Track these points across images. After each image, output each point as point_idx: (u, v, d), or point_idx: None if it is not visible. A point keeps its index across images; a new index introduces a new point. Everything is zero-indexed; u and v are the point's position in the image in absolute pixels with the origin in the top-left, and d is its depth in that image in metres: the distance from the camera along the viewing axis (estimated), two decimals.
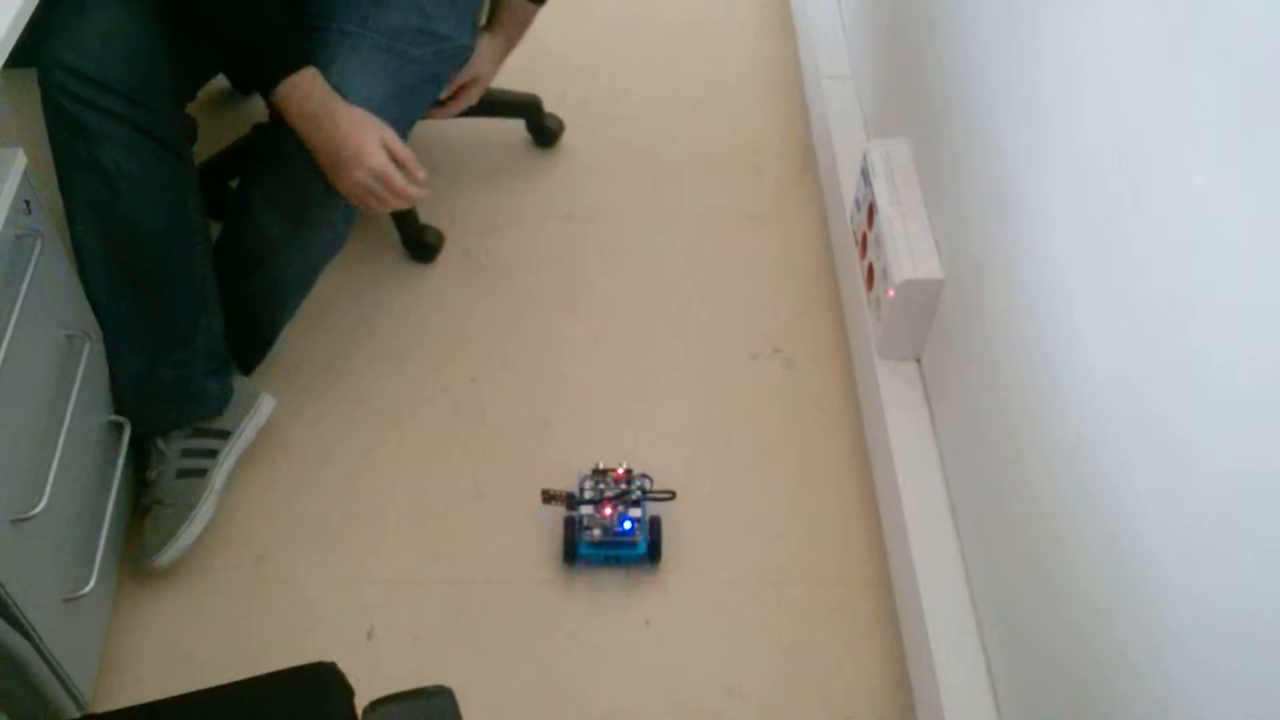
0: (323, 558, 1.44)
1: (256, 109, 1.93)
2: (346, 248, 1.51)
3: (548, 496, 1.45)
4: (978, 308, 1.23)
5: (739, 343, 1.70)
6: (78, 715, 1.21)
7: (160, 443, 1.42)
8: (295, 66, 1.27)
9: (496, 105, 1.97)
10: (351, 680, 0.90)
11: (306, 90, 1.27)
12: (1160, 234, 0.82)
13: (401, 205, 1.39)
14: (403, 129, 1.39)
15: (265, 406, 1.53)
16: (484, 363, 1.66)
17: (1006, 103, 1.15)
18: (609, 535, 1.41)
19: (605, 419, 1.59)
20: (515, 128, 2.02)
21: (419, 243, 1.79)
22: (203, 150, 1.77)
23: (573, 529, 1.42)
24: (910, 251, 1.39)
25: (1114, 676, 0.90)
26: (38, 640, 1.11)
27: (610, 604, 1.40)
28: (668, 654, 1.36)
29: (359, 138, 1.31)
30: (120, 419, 1.37)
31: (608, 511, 1.43)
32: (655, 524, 1.44)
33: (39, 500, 1.10)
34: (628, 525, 1.42)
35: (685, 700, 1.32)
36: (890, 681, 1.33)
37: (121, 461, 1.35)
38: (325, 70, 1.30)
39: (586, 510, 1.43)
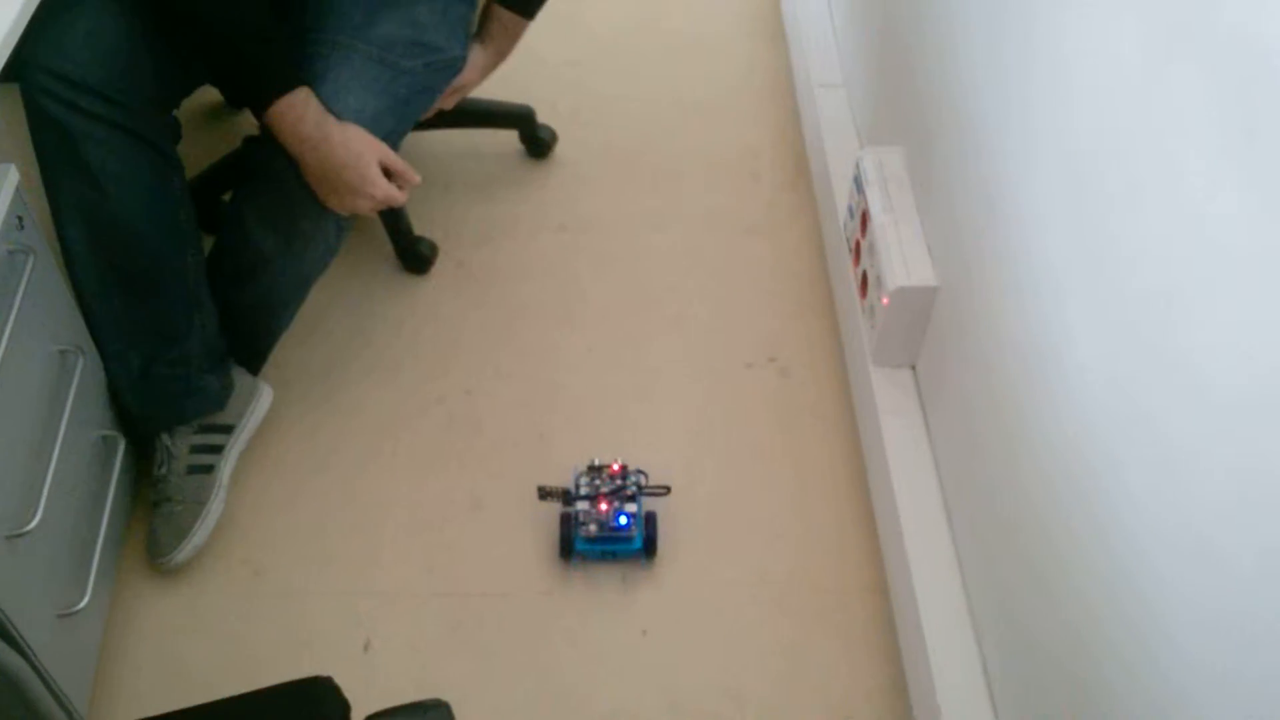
0: (319, 570, 1.44)
1: (248, 122, 1.93)
2: (340, 260, 1.51)
3: (544, 493, 1.45)
4: (972, 314, 1.24)
5: (734, 351, 1.70)
6: None
7: (166, 440, 1.43)
8: (288, 87, 1.27)
9: (489, 116, 1.98)
10: (348, 694, 0.89)
11: (300, 112, 1.27)
12: (1152, 236, 0.83)
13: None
14: (395, 141, 1.39)
15: (265, 397, 1.55)
16: (479, 373, 1.66)
17: (997, 108, 1.15)
18: (605, 530, 1.42)
19: (601, 428, 1.59)
20: (508, 139, 2.02)
21: (413, 254, 1.79)
22: (195, 163, 1.76)
23: (569, 525, 1.43)
24: (904, 259, 1.39)
25: (1110, 676, 0.90)
26: (32, 656, 1.11)
27: (607, 611, 1.40)
28: (665, 659, 1.36)
29: (360, 167, 1.31)
30: (114, 434, 1.37)
31: (603, 507, 1.43)
32: (651, 519, 1.45)
33: (33, 516, 1.10)
34: (623, 520, 1.42)
35: (683, 704, 1.32)
36: (887, 683, 1.33)
37: (116, 476, 1.35)
38: (317, 83, 1.30)
39: (582, 506, 1.44)
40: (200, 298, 1.40)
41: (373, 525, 1.48)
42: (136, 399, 1.40)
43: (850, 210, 1.60)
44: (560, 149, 2.02)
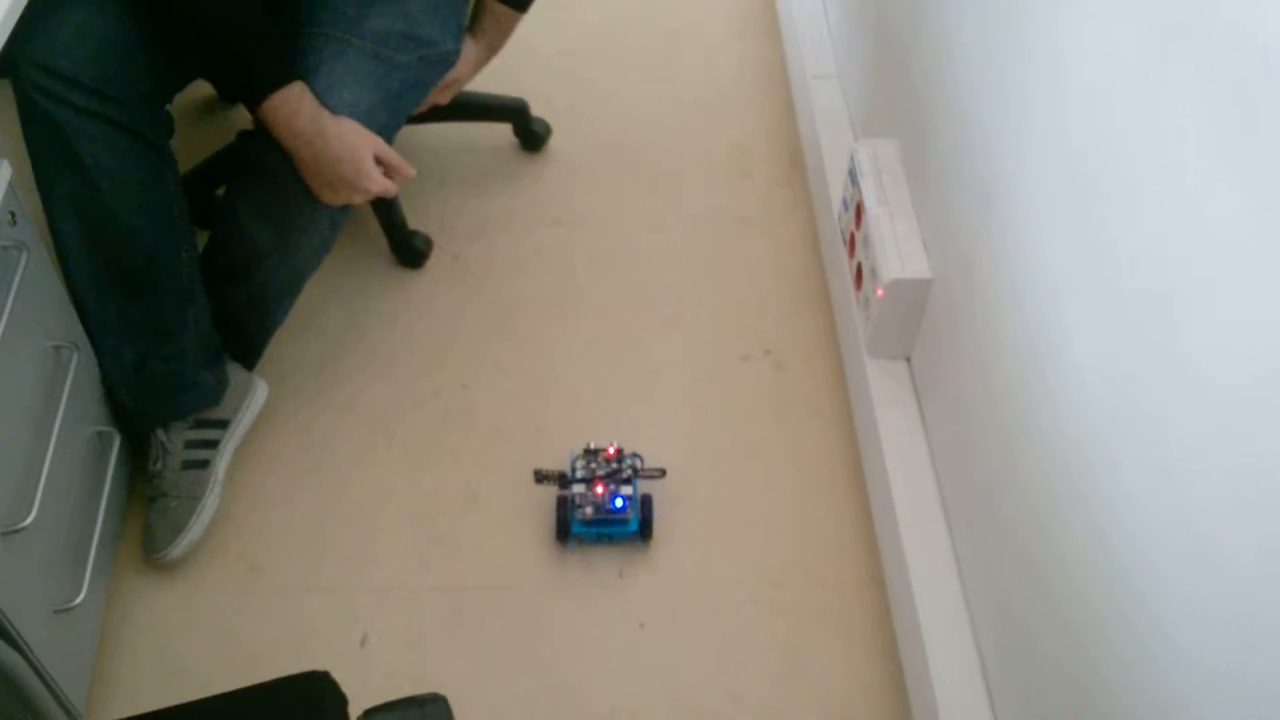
0: (315, 565, 1.44)
1: (241, 116, 1.92)
2: (335, 254, 1.51)
3: (540, 476, 1.46)
4: (966, 306, 1.24)
5: (730, 344, 1.70)
6: None
7: (161, 435, 1.43)
8: (281, 82, 1.26)
9: (483, 110, 1.97)
10: (345, 689, 0.90)
11: (294, 106, 1.27)
12: (1148, 233, 0.83)
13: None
14: (389, 135, 1.39)
15: (260, 392, 1.55)
16: (474, 368, 1.66)
17: (992, 100, 1.15)
18: (601, 513, 1.43)
19: (597, 422, 1.59)
20: (502, 132, 2.01)
21: (407, 248, 1.79)
22: (188, 158, 1.76)
23: (565, 508, 1.44)
24: (898, 251, 1.39)
25: (1108, 674, 0.90)
26: (29, 652, 1.11)
27: (605, 605, 1.40)
28: (664, 656, 1.36)
29: (355, 161, 1.31)
30: (109, 429, 1.37)
31: (600, 490, 1.44)
32: (647, 501, 1.46)
33: (29, 512, 1.10)
34: (619, 503, 1.43)
35: (682, 701, 1.32)
36: (884, 679, 1.33)
37: (111, 471, 1.35)
38: (310, 77, 1.30)
39: (579, 489, 1.45)
40: (194, 292, 1.40)
41: (369, 520, 1.48)
42: (131, 394, 1.40)
43: (845, 202, 1.60)
44: (554, 142, 2.02)
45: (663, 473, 1.48)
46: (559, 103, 2.07)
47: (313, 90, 1.29)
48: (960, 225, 1.26)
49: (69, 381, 1.24)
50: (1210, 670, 0.76)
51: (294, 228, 1.40)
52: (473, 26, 1.59)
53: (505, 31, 1.62)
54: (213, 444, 1.47)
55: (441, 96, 1.59)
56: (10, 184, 1.14)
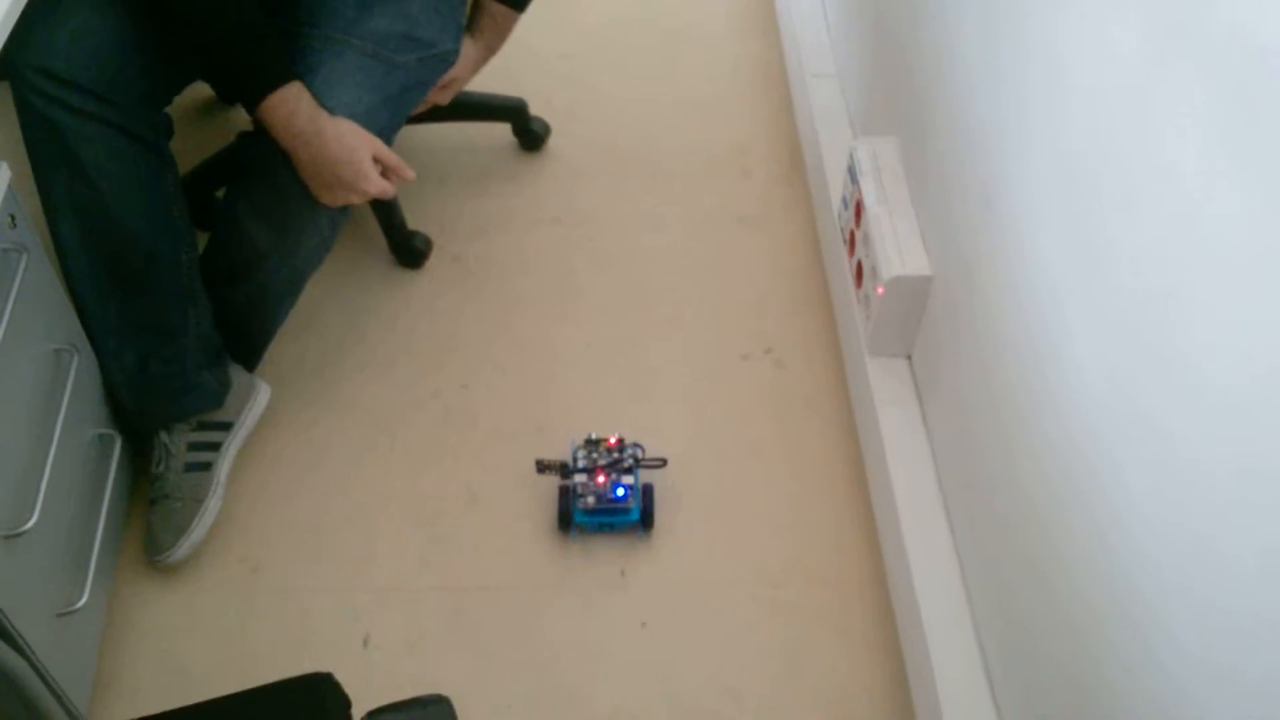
0: (316, 566, 1.44)
1: (240, 117, 1.92)
2: (335, 255, 1.51)
3: (542, 466, 1.47)
4: (967, 304, 1.24)
5: (730, 343, 1.70)
6: None
7: (164, 437, 1.43)
8: (280, 82, 1.26)
9: (482, 109, 1.97)
10: (348, 690, 0.90)
11: (292, 106, 1.26)
12: (1147, 232, 0.83)
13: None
14: (389, 136, 1.39)
15: (262, 395, 1.55)
16: (474, 368, 1.66)
17: (991, 99, 1.15)
18: (603, 502, 1.44)
19: (597, 422, 1.58)
20: (501, 132, 2.01)
21: (407, 249, 1.79)
22: (187, 159, 1.76)
23: (567, 497, 1.45)
24: (898, 248, 1.39)
25: (1110, 673, 0.90)
26: (32, 656, 1.10)
27: (606, 605, 1.40)
28: (665, 655, 1.36)
29: (354, 162, 1.31)
30: (110, 432, 1.37)
31: (601, 479, 1.45)
32: (648, 491, 1.47)
33: (30, 515, 1.10)
34: (621, 492, 1.44)
35: (683, 701, 1.32)
36: (887, 680, 1.33)
37: (112, 474, 1.35)
38: (309, 78, 1.30)
39: (580, 479, 1.45)
40: (195, 294, 1.40)
41: (370, 520, 1.48)
42: (133, 397, 1.40)
43: (845, 200, 1.60)
44: (553, 142, 2.02)
45: (664, 462, 1.49)
46: (558, 102, 2.07)
47: (312, 91, 1.29)
48: (960, 223, 1.26)
49: (70, 384, 1.24)
50: (1211, 669, 0.75)
51: (293, 228, 1.40)
52: (471, 26, 1.59)
53: (503, 31, 1.62)
54: (215, 446, 1.47)
55: (441, 96, 1.59)
56: (10, 186, 1.14)
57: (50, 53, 1.21)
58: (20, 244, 1.15)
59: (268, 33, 1.29)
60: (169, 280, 1.37)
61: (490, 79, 1.69)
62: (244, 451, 1.53)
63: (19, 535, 1.08)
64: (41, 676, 1.13)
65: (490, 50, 1.62)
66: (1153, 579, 0.83)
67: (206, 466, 1.45)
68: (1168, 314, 0.80)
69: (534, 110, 2.00)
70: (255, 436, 1.54)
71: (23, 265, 1.14)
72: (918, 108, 1.42)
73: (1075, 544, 0.96)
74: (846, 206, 1.58)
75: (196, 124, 1.97)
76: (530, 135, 2.00)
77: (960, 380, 1.27)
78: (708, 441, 1.57)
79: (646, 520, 1.45)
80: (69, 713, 1.19)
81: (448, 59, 1.48)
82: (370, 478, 1.53)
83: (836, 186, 1.69)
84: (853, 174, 1.54)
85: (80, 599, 1.21)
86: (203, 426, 1.45)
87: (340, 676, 0.90)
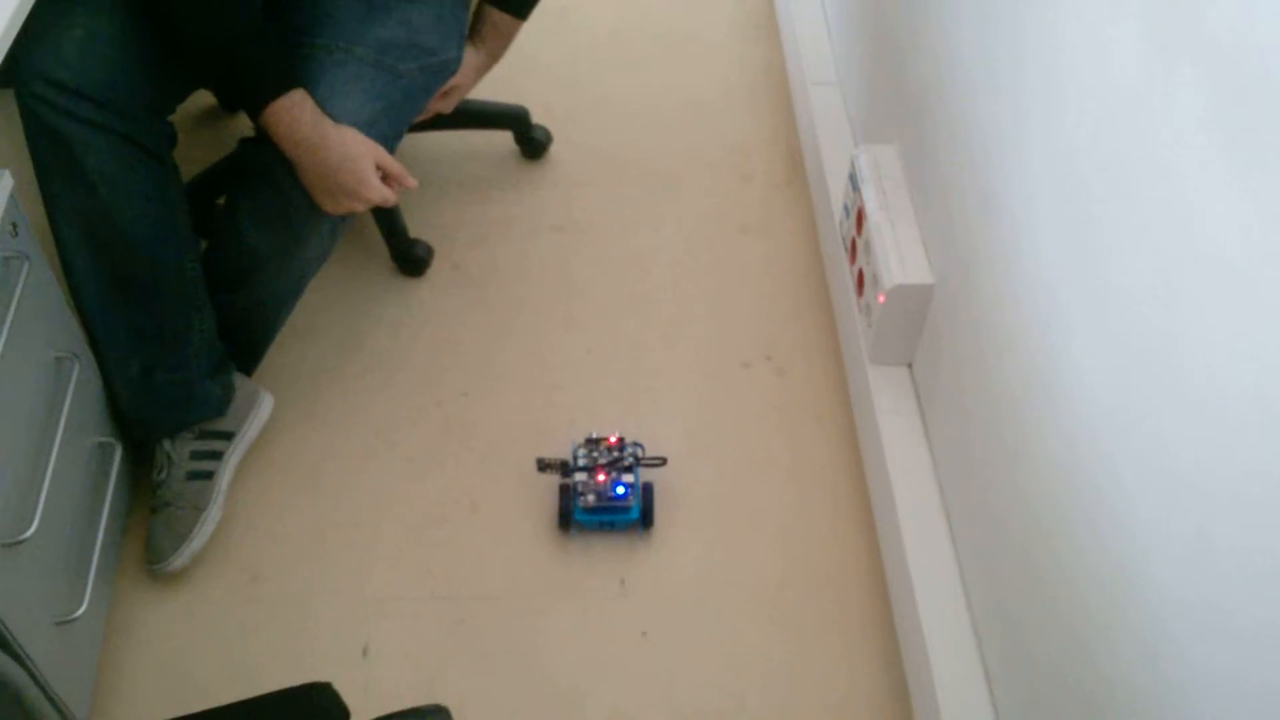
0: (316, 575, 1.43)
1: (243, 125, 1.93)
2: (336, 263, 1.52)
3: (542, 465, 1.47)
4: (968, 312, 1.24)
5: (731, 351, 1.70)
6: None
7: (167, 445, 1.43)
8: (282, 89, 1.26)
9: (484, 117, 1.98)
10: (347, 699, 0.89)
11: (296, 114, 1.27)
12: (1146, 237, 0.83)
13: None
14: (391, 144, 1.39)
15: (265, 405, 1.55)
16: (476, 376, 1.66)
17: (991, 107, 1.15)
18: (603, 500, 1.44)
19: (598, 429, 1.58)
20: (503, 140, 2.02)
21: (409, 257, 1.79)
22: (189, 167, 1.76)
23: (567, 496, 1.45)
24: (900, 256, 1.39)
25: (1111, 678, 0.90)
26: (31, 665, 1.10)
27: (607, 615, 1.40)
28: (666, 664, 1.36)
29: (357, 169, 1.32)
30: (111, 440, 1.37)
31: (601, 478, 1.45)
32: (648, 489, 1.48)
33: (30, 524, 1.10)
34: (621, 490, 1.45)
35: (684, 709, 1.32)
36: (887, 687, 1.33)
37: (113, 482, 1.35)
38: (312, 87, 1.30)
39: (581, 477, 1.46)
40: (199, 303, 1.40)
41: (370, 529, 1.48)
42: (137, 406, 1.40)
43: (846, 208, 1.60)
44: (555, 150, 2.02)
45: (663, 461, 1.50)
46: (560, 110, 2.07)
47: (315, 99, 1.29)
48: (961, 230, 1.25)
49: (70, 392, 1.24)
50: (1212, 673, 0.75)
51: (294, 235, 1.41)
52: (473, 35, 1.59)
53: (505, 39, 1.62)
54: (217, 455, 1.47)
55: (443, 105, 1.59)
56: (12, 195, 1.14)
57: (55, 62, 1.21)
58: (22, 252, 1.15)
59: (270, 40, 1.29)
60: (173, 289, 1.37)
61: (492, 87, 1.69)
62: (245, 459, 1.53)
63: (19, 544, 1.08)
64: (40, 685, 1.12)
65: (492, 58, 1.62)
66: (1153, 584, 0.82)
67: (208, 475, 1.44)
68: (1168, 320, 0.80)
69: (536, 118, 2.00)
70: (256, 444, 1.54)
71: (24, 273, 1.14)
72: (918, 115, 1.42)
73: (1076, 550, 0.95)
74: (848, 214, 1.58)
75: (198, 132, 1.97)
76: (532, 143, 2.00)
77: (961, 388, 1.27)
78: (708, 448, 1.57)
79: (646, 519, 1.46)
80: None
81: (450, 67, 1.49)
82: (371, 486, 1.53)
83: (838, 194, 1.69)
84: (854, 181, 1.54)
85: (80, 607, 1.21)
86: (205, 435, 1.45)
87: (339, 686, 0.90)
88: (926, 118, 1.38)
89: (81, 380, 1.27)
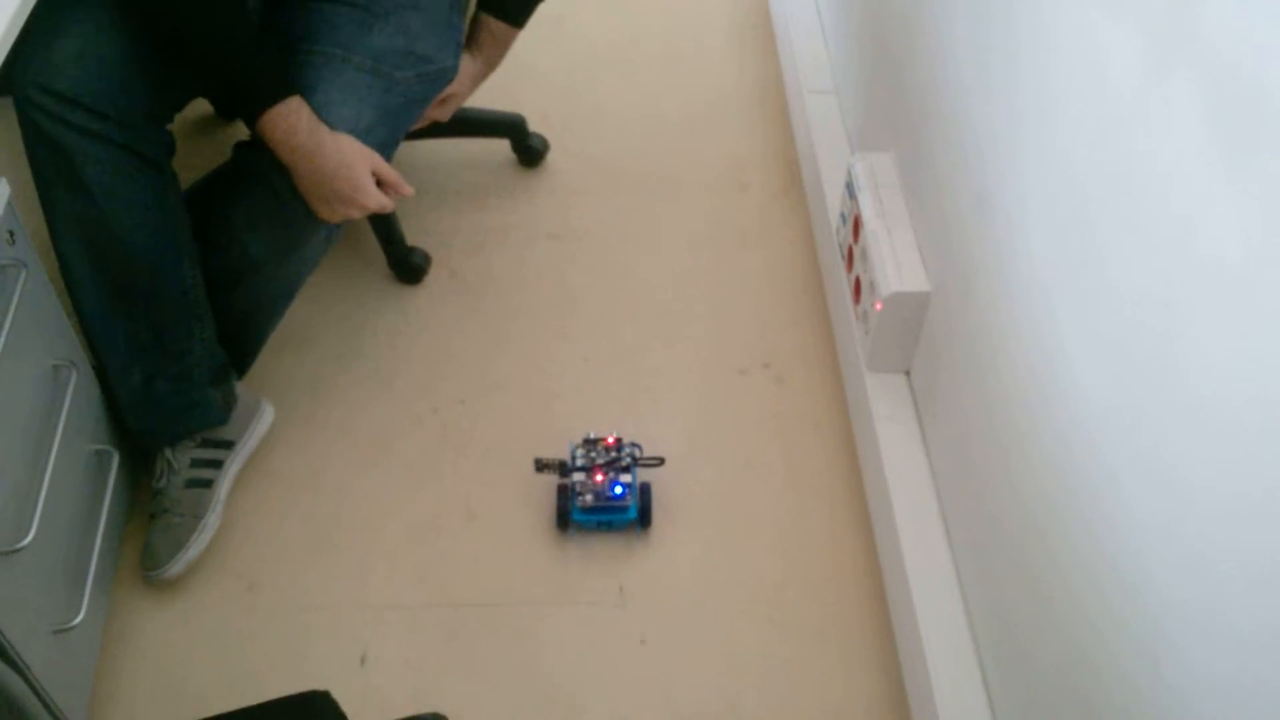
0: (314, 584, 1.43)
1: (240, 133, 1.92)
2: (333, 271, 1.52)
3: (541, 465, 1.48)
4: (965, 320, 1.24)
5: (728, 359, 1.70)
6: None
7: (168, 452, 1.43)
8: (279, 96, 1.27)
9: (481, 125, 1.98)
10: (345, 708, 0.89)
11: (293, 122, 1.27)
12: (1142, 245, 0.83)
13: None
14: (387, 152, 1.39)
15: (267, 415, 1.55)
16: (473, 383, 1.66)
17: (985, 115, 1.15)
18: (601, 500, 1.45)
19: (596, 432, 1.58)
20: (500, 148, 2.02)
21: (406, 264, 1.79)
22: (185, 175, 1.76)
23: (565, 496, 1.46)
24: (897, 264, 1.39)
25: (1111, 685, 0.90)
26: (28, 672, 1.10)
27: (606, 623, 1.40)
28: (664, 671, 1.36)
29: (353, 176, 1.32)
30: (108, 448, 1.36)
31: (599, 478, 1.46)
32: (645, 490, 1.48)
33: (27, 532, 1.09)
34: (619, 490, 1.46)
35: (682, 715, 1.32)
36: (886, 695, 1.33)
37: (110, 490, 1.35)
38: (309, 94, 1.30)
39: (579, 477, 1.46)
40: (199, 311, 1.40)
41: (367, 537, 1.48)
42: (138, 415, 1.40)
43: (843, 216, 1.61)
44: (552, 158, 2.03)
45: (661, 461, 1.50)
46: (556, 118, 2.08)
47: (311, 107, 1.30)
48: (958, 238, 1.26)
49: (68, 400, 1.24)
50: (1212, 680, 0.75)
51: (290, 239, 1.41)
52: (470, 43, 1.59)
53: (502, 47, 1.62)
54: (217, 464, 1.47)
55: (440, 112, 1.59)
56: (9, 202, 1.14)
57: (54, 71, 1.21)
58: (19, 260, 1.15)
59: (267, 47, 1.29)
60: (174, 298, 1.37)
61: (489, 95, 1.70)
62: (243, 468, 1.52)
63: (16, 552, 1.08)
64: (37, 693, 1.12)
65: (489, 66, 1.63)
66: (1152, 591, 0.83)
67: (208, 484, 1.44)
68: (1165, 324, 0.80)
69: (532, 126, 2.00)
70: (254, 453, 1.54)
71: (21, 281, 1.14)
72: (914, 124, 1.42)
73: (1074, 557, 0.95)
74: (845, 222, 1.59)
75: (195, 140, 1.97)
76: (529, 151, 2.00)
77: (958, 395, 1.27)
78: (706, 455, 1.57)
79: (644, 518, 1.47)
80: None
81: (446, 75, 1.49)
82: (368, 494, 1.53)
83: (834, 202, 1.69)
84: (851, 190, 1.54)
85: (77, 616, 1.21)
86: (207, 444, 1.45)
87: (337, 694, 0.90)
88: (922, 126, 1.39)
89: (79, 388, 1.27)
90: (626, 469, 1.48)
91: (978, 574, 1.21)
